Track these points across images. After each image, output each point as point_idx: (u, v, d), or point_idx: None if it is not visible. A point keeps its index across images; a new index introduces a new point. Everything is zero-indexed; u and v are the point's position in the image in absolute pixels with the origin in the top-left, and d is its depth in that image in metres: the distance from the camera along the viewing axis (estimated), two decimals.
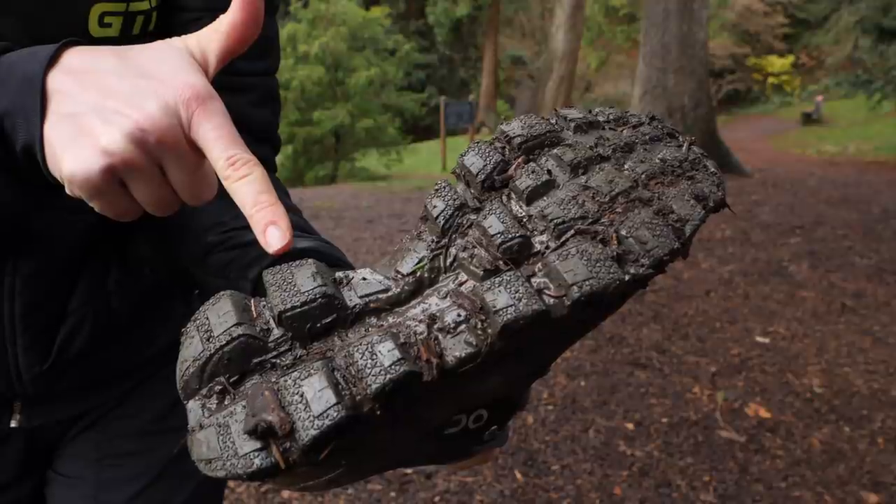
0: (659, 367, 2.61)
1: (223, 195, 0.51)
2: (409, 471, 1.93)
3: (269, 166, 0.61)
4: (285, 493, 1.86)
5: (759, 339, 2.90)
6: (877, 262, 3.99)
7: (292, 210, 0.54)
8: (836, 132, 13.65)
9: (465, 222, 0.35)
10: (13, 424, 0.59)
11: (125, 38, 0.49)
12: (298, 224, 0.50)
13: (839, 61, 20.15)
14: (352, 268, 0.38)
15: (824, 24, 22.78)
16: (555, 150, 0.37)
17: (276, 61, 0.60)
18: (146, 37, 0.51)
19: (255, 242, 0.48)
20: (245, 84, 0.56)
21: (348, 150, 12.25)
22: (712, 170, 0.40)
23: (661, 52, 6.90)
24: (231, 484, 1.83)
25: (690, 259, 3.92)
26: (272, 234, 0.32)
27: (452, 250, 0.34)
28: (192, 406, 0.31)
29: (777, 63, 23.04)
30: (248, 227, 0.48)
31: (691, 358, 2.70)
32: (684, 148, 0.41)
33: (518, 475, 1.92)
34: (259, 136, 0.59)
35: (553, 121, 0.39)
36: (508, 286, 0.31)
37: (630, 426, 2.18)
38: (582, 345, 2.74)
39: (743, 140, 12.42)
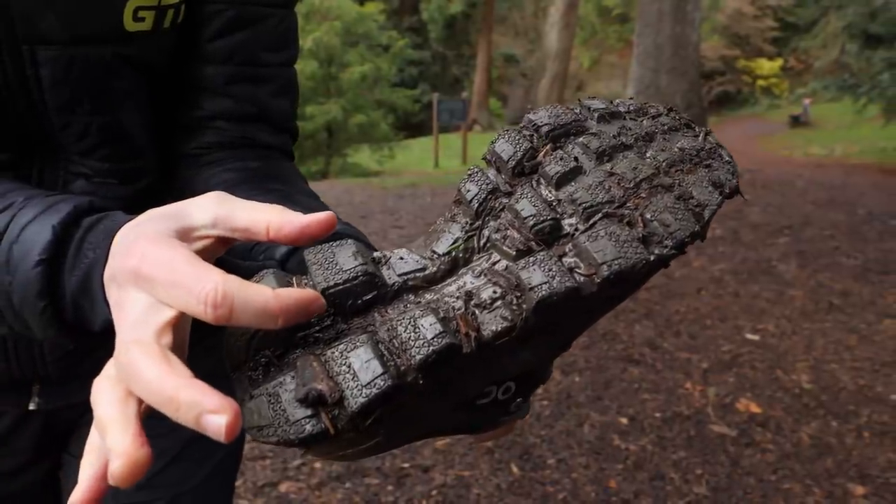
0: (652, 363, 2.64)
1: (250, 191, 0.52)
2: (406, 465, 1.95)
3: (287, 155, 0.62)
4: (283, 488, 1.87)
5: (749, 336, 2.95)
6: (862, 262, 4.06)
7: (312, 196, 0.55)
8: (823, 135, 13.82)
9: (497, 206, 0.36)
10: (32, 407, 0.60)
11: (157, 31, 0.50)
12: (319, 208, 0.51)
13: (827, 65, 20.39)
14: (374, 250, 0.40)
15: (812, 29, 23.05)
16: (580, 139, 0.39)
17: (296, 52, 0.61)
18: (175, 29, 0.52)
19: None
20: (266, 75, 0.58)
21: (340, 145, 12.21)
22: (727, 158, 0.42)
23: (654, 53, 6.96)
24: None
25: (682, 258, 3.96)
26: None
27: (485, 232, 0.36)
28: (239, 377, 0.32)
29: (766, 66, 23.30)
30: None
31: (683, 354, 2.74)
32: (700, 138, 0.43)
33: (514, 469, 1.94)
34: (278, 126, 0.60)
35: (577, 110, 0.41)
36: (542, 265, 0.32)
37: (624, 421, 2.21)
38: (576, 341, 2.77)
39: (732, 141, 12.52)
